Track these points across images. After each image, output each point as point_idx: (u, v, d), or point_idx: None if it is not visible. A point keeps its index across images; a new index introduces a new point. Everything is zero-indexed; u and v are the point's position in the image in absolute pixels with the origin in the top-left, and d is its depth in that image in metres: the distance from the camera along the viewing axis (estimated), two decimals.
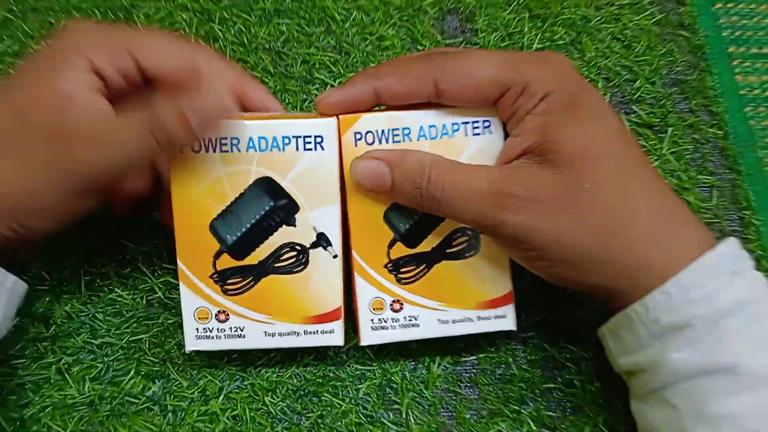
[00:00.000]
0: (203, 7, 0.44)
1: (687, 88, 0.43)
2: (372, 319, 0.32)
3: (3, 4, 0.45)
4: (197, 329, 0.32)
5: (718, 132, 0.42)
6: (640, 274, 0.29)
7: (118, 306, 0.37)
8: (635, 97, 0.43)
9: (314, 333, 0.32)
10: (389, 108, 0.31)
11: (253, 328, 0.32)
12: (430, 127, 0.31)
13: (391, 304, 0.32)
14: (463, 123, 0.31)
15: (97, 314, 0.37)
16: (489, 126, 0.31)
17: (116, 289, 0.37)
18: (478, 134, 0.31)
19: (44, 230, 0.30)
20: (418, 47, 0.44)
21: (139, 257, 0.38)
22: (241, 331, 0.32)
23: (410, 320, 0.33)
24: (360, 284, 0.32)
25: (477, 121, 0.31)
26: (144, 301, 0.37)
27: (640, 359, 0.30)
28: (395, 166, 0.30)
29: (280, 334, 0.32)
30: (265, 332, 0.32)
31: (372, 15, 0.45)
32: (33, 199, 0.29)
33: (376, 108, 0.31)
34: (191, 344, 0.32)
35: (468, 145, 0.31)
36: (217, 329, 0.32)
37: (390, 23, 0.45)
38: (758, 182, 0.41)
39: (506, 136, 0.31)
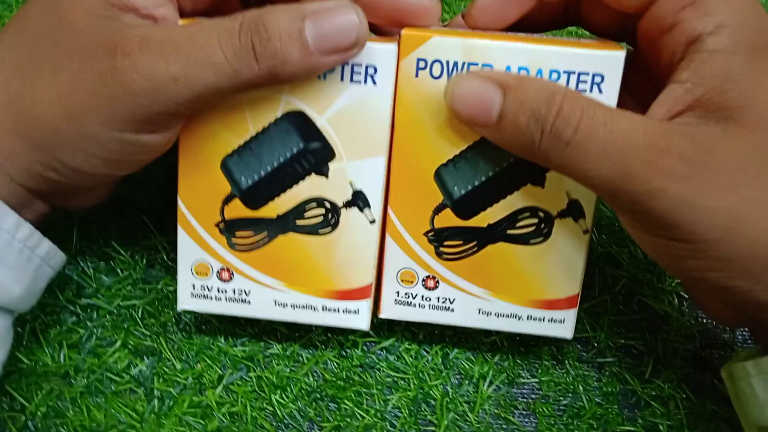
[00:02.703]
0: None
1: None
2: (398, 291, 0.26)
3: None
4: (193, 285, 0.26)
5: None
6: None
7: (112, 263, 0.31)
8: None
9: (334, 310, 0.26)
10: (470, 34, 0.24)
11: (262, 293, 0.26)
12: (520, 69, 0.24)
13: (424, 279, 0.26)
14: (566, 72, 0.24)
15: (87, 269, 0.31)
16: (600, 83, 0.24)
17: (113, 242, 0.31)
18: (584, 91, 0.24)
19: (92, 174, 0.24)
20: None
21: (145, 206, 0.32)
22: (247, 295, 0.26)
23: (444, 302, 0.26)
24: (390, 248, 0.26)
25: (585, 74, 0.23)
26: (144, 261, 0.31)
27: None
28: (511, 90, 0.22)
29: (293, 306, 0.26)
30: (275, 301, 0.26)
31: None
32: (75, 128, 0.22)
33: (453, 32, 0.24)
34: (184, 302, 0.27)
35: None
36: (218, 289, 0.26)
37: None
38: None
39: (649, 78, 0.24)
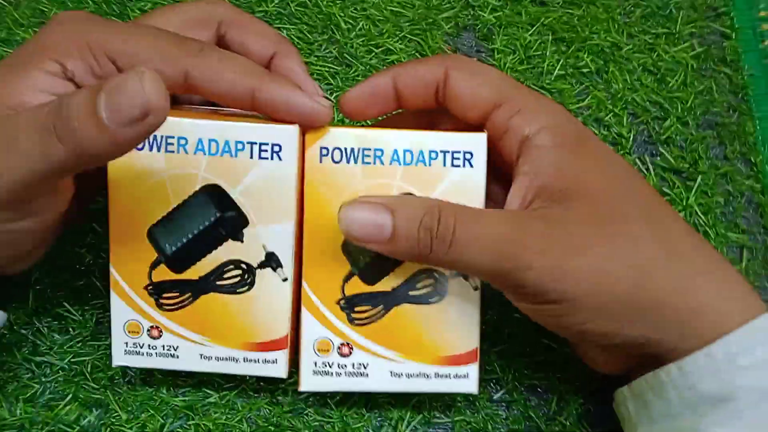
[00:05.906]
0: None
1: (724, 132, 0.38)
2: (315, 362, 0.29)
3: None
4: (126, 343, 0.29)
5: (755, 185, 0.37)
6: (693, 321, 0.25)
7: (64, 322, 0.34)
8: (664, 137, 0.38)
9: (254, 361, 0.29)
10: (369, 125, 0.28)
11: (188, 348, 0.29)
12: (405, 151, 0.27)
13: (339, 347, 0.29)
14: (442, 152, 0.28)
15: (42, 328, 0.34)
16: (470, 158, 0.27)
17: (65, 303, 0.34)
18: (458, 166, 0.28)
19: None
20: None
21: (96, 269, 0.35)
22: (175, 350, 0.29)
23: (359, 368, 0.29)
24: (307, 320, 0.29)
25: (458, 152, 0.28)
26: (93, 320, 0.34)
27: (667, 429, 0.25)
28: (398, 209, 0.25)
29: (217, 359, 0.29)
30: (201, 355, 0.29)
31: (380, 26, 0.41)
32: None
33: (348, 123, 0.28)
34: (118, 359, 0.29)
35: (445, 177, 0.28)
36: (149, 345, 0.29)
37: (399, 36, 0.41)
38: None
39: (492, 166, 0.28)
